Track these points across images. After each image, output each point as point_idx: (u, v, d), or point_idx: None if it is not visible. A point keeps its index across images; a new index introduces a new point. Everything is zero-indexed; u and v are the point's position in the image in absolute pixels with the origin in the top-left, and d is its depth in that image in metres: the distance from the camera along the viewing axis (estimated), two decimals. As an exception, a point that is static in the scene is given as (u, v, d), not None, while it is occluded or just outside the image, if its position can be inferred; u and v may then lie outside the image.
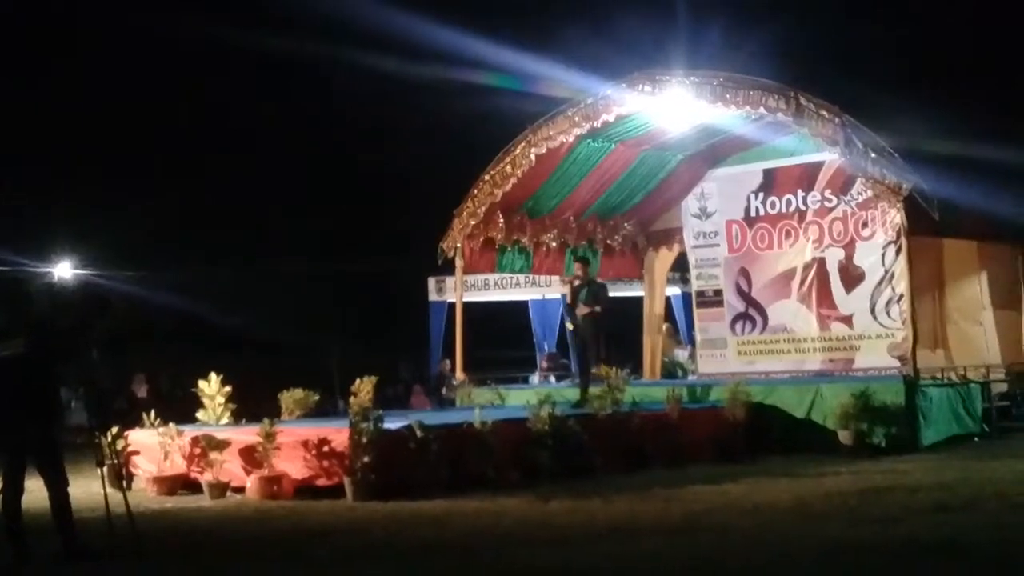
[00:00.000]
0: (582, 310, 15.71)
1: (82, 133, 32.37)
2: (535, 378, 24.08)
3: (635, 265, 21.32)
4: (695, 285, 20.19)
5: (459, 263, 18.70)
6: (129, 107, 32.83)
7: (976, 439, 15.48)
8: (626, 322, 22.36)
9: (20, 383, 8.48)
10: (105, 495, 9.00)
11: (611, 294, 22.35)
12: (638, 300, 21.80)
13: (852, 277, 18.12)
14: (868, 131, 15.22)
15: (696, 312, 20.25)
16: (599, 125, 17.20)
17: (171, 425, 13.41)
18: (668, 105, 16.82)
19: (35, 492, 8.88)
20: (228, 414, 14.39)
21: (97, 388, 9.89)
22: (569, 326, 16.15)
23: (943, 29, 29.21)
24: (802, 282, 18.67)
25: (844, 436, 14.55)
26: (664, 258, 21.25)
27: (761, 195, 19.16)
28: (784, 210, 18.88)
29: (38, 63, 32.49)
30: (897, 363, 16.56)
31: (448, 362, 21.63)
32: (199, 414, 14.47)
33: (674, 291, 23.49)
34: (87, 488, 10.80)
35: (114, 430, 11.98)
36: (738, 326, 19.42)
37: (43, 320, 8.84)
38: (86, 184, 31.48)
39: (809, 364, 18.50)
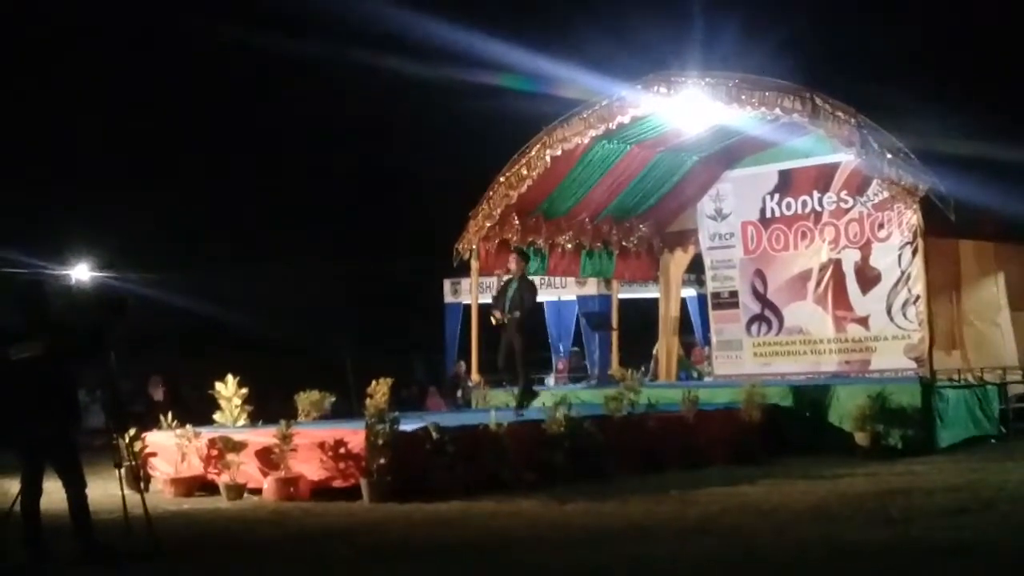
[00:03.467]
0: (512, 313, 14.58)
1: (99, 135, 32.50)
2: (551, 380, 24.09)
3: (650, 267, 21.31)
4: (710, 287, 20.20)
5: (474, 265, 18.72)
6: (146, 108, 32.95)
7: (993, 441, 15.44)
8: (643, 324, 22.40)
9: (38, 385, 8.52)
10: (123, 496, 9.04)
11: (627, 296, 22.62)
12: (653, 302, 21.80)
13: (868, 278, 18.11)
14: (884, 132, 15.20)
15: (712, 314, 20.26)
16: (614, 127, 17.21)
17: (188, 427, 13.43)
18: (683, 106, 16.83)
19: (53, 493, 8.92)
20: (245, 416, 14.42)
21: (114, 390, 9.93)
22: (493, 320, 14.75)
23: (959, 29, 29.12)
24: (818, 283, 18.66)
25: (860, 438, 14.52)
26: (679, 260, 21.24)
27: (777, 196, 19.16)
28: (800, 211, 18.89)
29: (54, 65, 32.62)
30: (913, 364, 16.54)
31: (463, 364, 21.65)
32: (216, 416, 14.50)
33: (689, 293, 23.49)
34: (105, 489, 10.85)
35: (131, 432, 12.07)
36: (754, 327, 19.42)
37: (61, 322, 8.88)
38: (102, 186, 31.58)
39: (825, 365, 18.49)
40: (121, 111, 32.71)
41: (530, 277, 15.33)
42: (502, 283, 14.86)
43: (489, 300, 22.47)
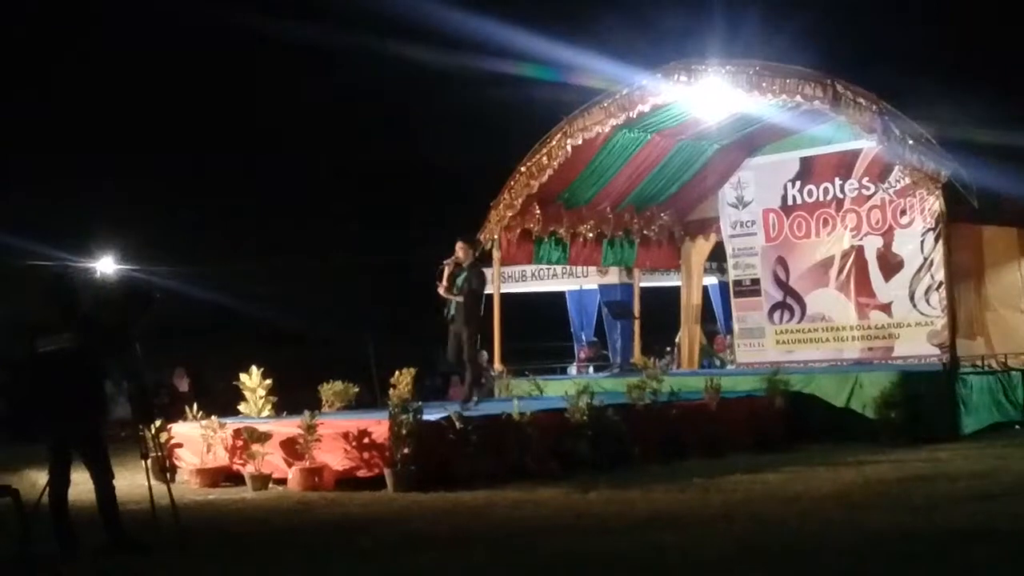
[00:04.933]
0: (457, 297, 14.11)
1: (124, 128, 32.66)
2: (573, 368, 24.11)
3: (672, 255, 21.31)
4: (732, 274, 20.16)
5: (496, 255, 18.74)
6: (171, 102, 33.07)
7: (1017, 427, 15.41)
8: (665, 312, 22.39)
9: (67, 377, 8.60)
10: (149, 487, 9.11)
11: (649, 284, 22.62)
12: (675, 290, 21.80)
13: (891, 265, 18.04)
14: (906, 118, 15.16)
15: (734, 302, 20.22)
16: (635, 115, 17.20)
17: (213, 418, 13.54)
18: (704, 94, 16.81)
19: (80, 485, 9.00)
20: (269, 407, 14.54)
21: (140, 382, 10.01)
22: (445, 312, 14.10)
23: (981, 16, 28.96)
24: (840, 270, 18.61)
25: (883, 425, 14.50)
26: (701, 248, 21.22)
27: (798, 183, 19.11)
28: (821, 198, 18.83)
29: (79, 58, 32.78)
30: (936, 351, 16.48)
31: (485, 353, 21.67)
32: (241, 407, 14.61)
33: (711, 281, 23.46)
34: (132, 480, 10.96)
35: (157, 423, 12.16)
36: (776, 315, 19.38)
37: (89, 315, 8.96)
38: (127, 180, 31.75)
39: (848, 352, 18.45)
40: (146, 105, 32.85)
41: (481, 267, 14.74)
42: (449, 272, 14.17)
43: (511, 289, 22.70)
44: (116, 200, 30.62)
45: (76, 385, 8.66)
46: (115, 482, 8.87)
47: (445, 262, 14.29)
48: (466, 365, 14.36)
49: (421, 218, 33.85)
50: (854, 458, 12.73)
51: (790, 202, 19.22)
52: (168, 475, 10.77)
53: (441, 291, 14.16)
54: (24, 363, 8.84)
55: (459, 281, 14.14)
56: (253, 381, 14.60)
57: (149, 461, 9.57)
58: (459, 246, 14.38)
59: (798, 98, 15.85)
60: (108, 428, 9.23)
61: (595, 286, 23.78)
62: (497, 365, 18.58)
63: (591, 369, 22.99)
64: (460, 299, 14.03)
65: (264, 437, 12.65)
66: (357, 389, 15.78)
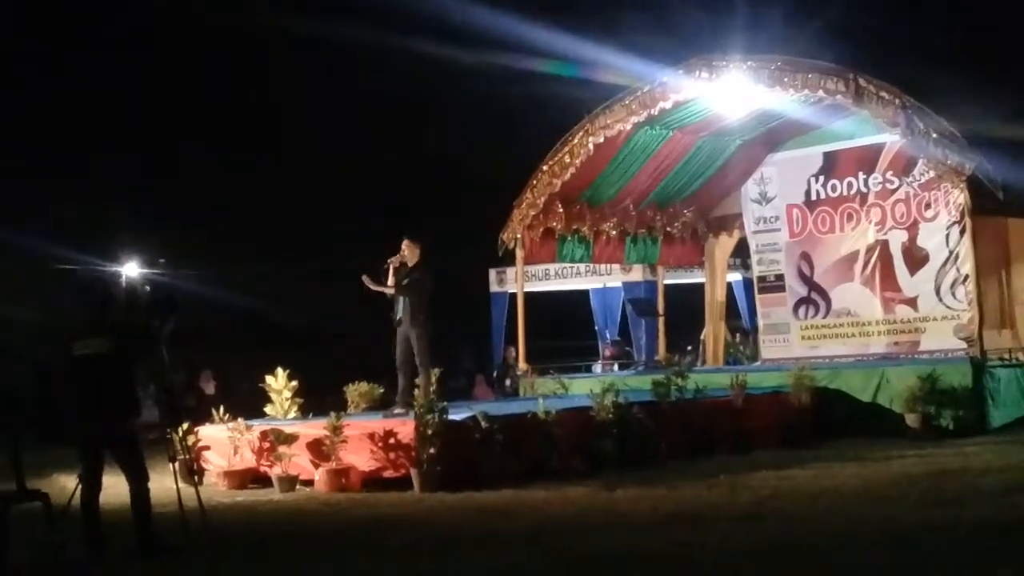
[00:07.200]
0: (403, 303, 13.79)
1: (144, 133, 32.81)
2: (598, 367, 24.08)
3: (696, 252, 21.27)
4: (756, 270, 20.11)
5: (520, 254, 18.76)
6: (188, 105, 33.18)
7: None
8: (689, 309, 22.34)
9: (102, 380, 8.67)
10: (177, 490, 9.16)
11: (673, 281, 22.58)
12: (699, 287, 21.75)
13: (916, 259, 17.96)
14: (929, 112, 15.08)
15: (758, 297, 20.17)
16: (656, 112, 17.17)
17: (240, 420, 13.58)
18: (726, 90, 16.76)
19: (110, 488, 9.05)
20: (295, 408, 14.59)
21: (167, 385, 10.06)
22: (394, 321, 13.73)
23: (1004, 9, 28.77)
24: (865, 265, 18.53)
25: (911, 419, 14.46)
26: (724, 244, 21.17)
27: (821, 178, 19.05)
28: (845, 193, 18.76)
29: (98, 62, 32.94)
30: (963, 345, 16.38)
31: (512, 351, 21.67)
32: (267, 409, 14.67)
33: (735, 277, 23.40)
34: (159, 483, 10.92)
35: (184, 426, 12.22)
36: (801, 311, 19.32)
37: (121, 319, 9.02)
38: (151, 183, 31.91)
39: (874, 347, 18.37)
40: (165, 108, 32.96)
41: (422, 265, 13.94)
42: (395, 271, 13.74)
43: (534, 288, 22.69)
44: (141, 203, 30.77)
45: (110, 388, 8.73)
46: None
47: (390, 260, 13.96)
48: (405, 369, 13.84)
49: (444, 217, 33.88)
50: (881, 453, 12.69)
51: (813, 197, 19.16)
52: (196, 477, 10.81)
53: (385, 290, 13.79)
54: (57, 366, 8.91)
55: (405, 282, 13.83)
56: (279, 383, 14.66)
57: (177, 464, 9.61)
58: (405, 243, 13.92)
59: (820, 93, 15.79)
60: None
61: (619, 284, 23.77)
62: (522, 364, 18.59)
63: (616, 367, 22.95)
64: (401, 296, 13.60)
65: (291, 439, 12.69)
66: (382, 390, 15.80)
